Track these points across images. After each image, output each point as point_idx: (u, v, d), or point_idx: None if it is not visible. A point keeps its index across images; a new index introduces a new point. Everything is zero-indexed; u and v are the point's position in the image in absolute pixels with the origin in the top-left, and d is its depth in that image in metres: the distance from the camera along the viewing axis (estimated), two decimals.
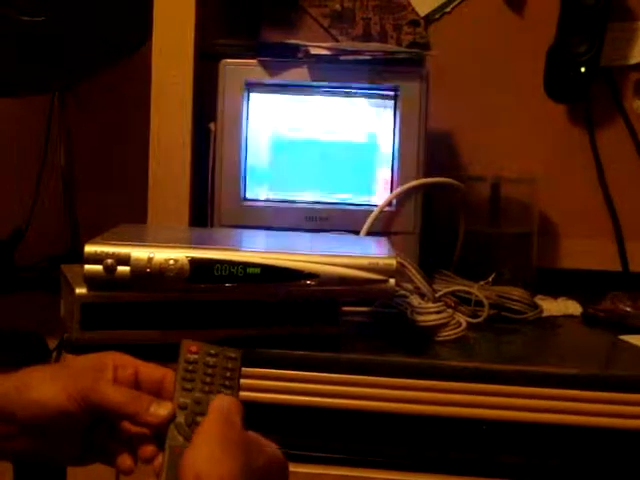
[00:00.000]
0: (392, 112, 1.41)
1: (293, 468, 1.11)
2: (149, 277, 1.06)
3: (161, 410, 0.83)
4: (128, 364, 0.88)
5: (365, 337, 1.22)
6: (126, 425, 0.86)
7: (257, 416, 1.09)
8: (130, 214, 1.39)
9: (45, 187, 1.78)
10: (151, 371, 0.88)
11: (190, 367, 0.85)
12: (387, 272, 1.09)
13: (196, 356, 0.86)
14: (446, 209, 1.53)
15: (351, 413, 1.11)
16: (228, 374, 0.86)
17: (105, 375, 0.86)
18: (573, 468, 1.11)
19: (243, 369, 1.03)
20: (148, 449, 0.84)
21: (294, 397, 1.11)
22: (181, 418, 0.82)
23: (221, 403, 0.81)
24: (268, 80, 1.39)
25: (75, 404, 0.84)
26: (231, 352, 0.88)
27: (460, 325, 1.22)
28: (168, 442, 0.81)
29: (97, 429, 0.87)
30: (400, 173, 1.40)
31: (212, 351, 0.87)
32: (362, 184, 1.42)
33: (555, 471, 1.11)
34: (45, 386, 0.85)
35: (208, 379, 0.85)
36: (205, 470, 0.74)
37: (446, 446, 1.12)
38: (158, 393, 0.86)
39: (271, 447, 0.81)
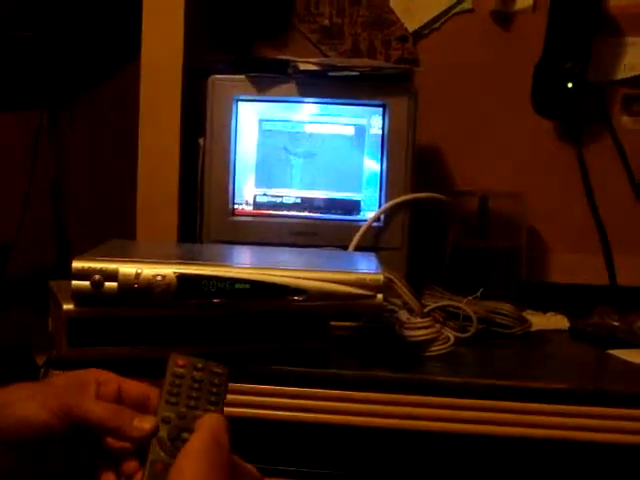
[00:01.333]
0: (380, 127, 1.41)
1: None
2: (137, 293, 1.05)
3: (144, 424, 0.82)
4: (111, 380, 0.88)
5: (353, 352, 1.22)
6: (109, 441, 0.86)
7: (243, 431, 1.09)
8: (120, 228, 1.39)
9: (34, 200, 1.77)
10: (134, 387, 0.88)
11: (177, 381, 0.85)
12: (375, 287, 1.09)
13: (183, 370, 0.86)
14: (434, 224, 1.53)
15: (339, 428, 1.11)
16: (214, 389, 0.85)
17: (88, 391, 0.86)
18: None
19: (230, 384, 1.03)
20: (131, 465, 0.84)
21: (281, 413, 1.11)
22: (164, 432, 0.82)
23: (211, 422, 0.81)
24: (257, 96, 1.40)
25: (58, 420, 0.83)
26: (218, 367, 0.88)
27: (448, 340, 1.22)
28: (150, 457, 0.81)
29: (81, 446, 0.87)
30: (388, 189, 1.41)
31: (199, 365, 0.87)
32: (350, 182, 1.43)
33: None
34: (28, 403, 0.84)
35: (194, 393, 0.84)
36: None
37: (434, 462, 1.12)
38: (141, 409, 0.85)
39: (252, 470, 0.81)
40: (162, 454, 0.80)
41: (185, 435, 0.81)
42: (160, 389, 0.85)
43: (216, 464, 0.77)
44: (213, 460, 0.77)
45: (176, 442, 0.81)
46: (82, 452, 0.87)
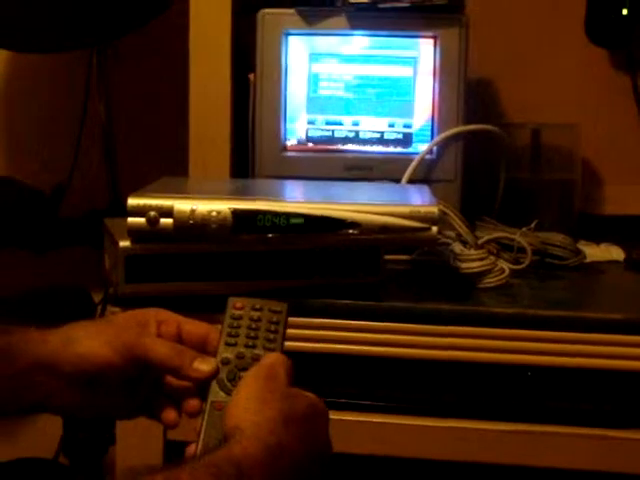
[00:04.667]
0: (431, 59, 1.40)
1: (335, 416, 1.11)
2: (192, 229, 1.06)
3: (204, 365, 0.83)
4: (171, 320, 0.89)
5: (407, 285, 1.22)
6: (170, 379, 0.87)
7: (300, 365, 1.10)
8: (171, 167, 1.40)
9: (86, 142, 1.78)
10: (194, 328, 0.88)
11: (235, 323, 0.86)
12: (429, 220, 1.09)
13: (241, 312, 0.86)
14: (487, 157, 1.52)
15: (394, 361, 1.12)
16: (272, 328, 0.86)
17: (149, 330, 0.87)
18: (619, 412, 1.10)
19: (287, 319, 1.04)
20: (192, 403, 0.85)
21: (337, 346, 1.11)
22: (223, 374, 0.82)
23: (268, 360, 0.82)
24: (307, 29, 1.38)
25: (120, 357, 0.84)
26: (276, 305, 0.88)
27: (503, 272, 1.21)
28: (210, 397, 0.82)
29: (142, 383, 0.88)
30: (440, 121, 1.40)
31: (257, 305, 0.87)
32: (402, 115, 1.42)
33: (602, 416, 1.11)
34: (90, 340, 0.86)
35: (252, 333, 0.85)
36: (243, 420, 0.75)
37: (491, 392, 1.12)
38: (201, 350, 0.86)
39: (311, 396, 0.81)
40: (222, 394, 0.81)
41: (241, 374, 0.82)
42: (220, 330, 0.86)
43: (268, 393, 0.77)
44: (263, 390, 0.78)
45: (234, 382, 0.82)
46: (143, 389, 0.89)
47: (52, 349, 0.86)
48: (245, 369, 0.82)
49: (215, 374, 0.83)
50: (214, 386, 0.82)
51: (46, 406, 0.88)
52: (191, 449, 0.80)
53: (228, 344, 0.84)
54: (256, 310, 0.87)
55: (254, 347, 0.84)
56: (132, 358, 0.85)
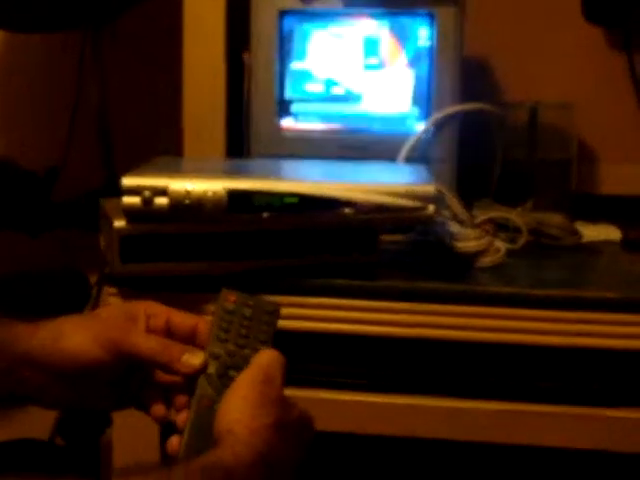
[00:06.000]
0: (427, 38, 1.39)
1: (330, 395, 1.13)
2: (187, 209, 1.06)
3: (193, 359, 0.83)
4: (160, 313, 0.89)
5: (403, 265, 1.22)
6: (159, 374, 0.87)
7: (295, 344, 1.10)
8: (167, 148, 1.39)
9: (80, 123, 1.78)
10: (183, 320, 0.88)
11: (227, 317, 0.85)
12: (425, 198, 1.08)
13: (234, 306, 0.86)
14: (483, 136, 1.51)
15: (389, 340, 1.12)
16: (264, 328, 0.85)
17: (137, 324, 0.87)
18: (614, 392, 1.11)
19: (280, 297, 1.04)
20: (182, 398, 0.85)
21: (332, 325, 1.11)
22: (212, 369, 0.82)
23: (263, 358, 0.81)
24: (301, 7, 1.38)
25: (108, 354, 0.84)
26: (268, 305, 0.87)
27: (499, 251, 1.21)
28: (197, 392, 0.81)
29: (131, 378, 0.88)
30: (436, 100, 1.39)
31: (250, 302, 0.87)
32: (398, 94, 1.41)
33: (596, 395, 1.11)
34: (78, 336, 0.86)
35: (244, 331, 0.84)
36: (237, 424, 0.75)
37: (486, 371, 1.12)
38: (190, 342, 0.86)
39: (302, 409, 0.81)
40: (210, 390, 0.81)
41: (232, 373, 0.82)
42: (210, 323, 0.85)
43: (265, 398, 0.77)
44: (260, 394, 0.77)
45: (223, 379, 0.82)
46: (132, 384, 0.89)
47: (40, 345, 0.86)
48: (235, 368, 0.82)
49: (204, 368, 0.82)
50: (202, 381, 0.82)
51: (35, 400, 0.88)
52: (174, 442, 0.80)
53: (219, 339, 0.84)
54: (249, 307, 0.86)
55: (245, 347, 0.84)
56: (120, 354, 0.84)
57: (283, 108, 1.40)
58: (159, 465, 0.72)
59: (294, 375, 1.10)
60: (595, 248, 1.38)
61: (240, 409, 0.76)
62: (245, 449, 0.73)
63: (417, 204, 1.08)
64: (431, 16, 1.38)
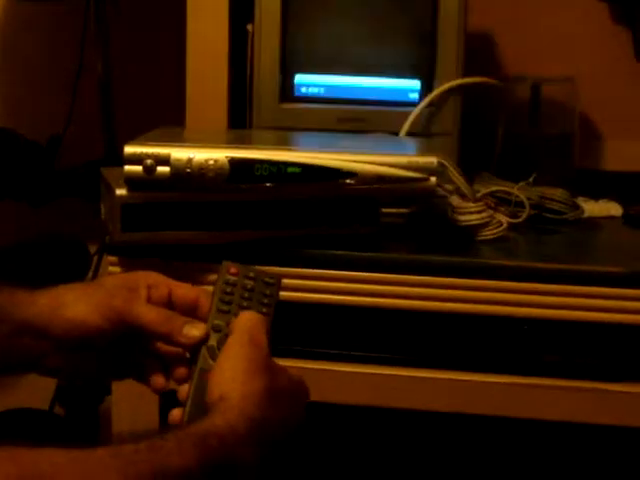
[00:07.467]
0: (430, 11, 1.38)
1: (331, 367, 1.13)
2: (189, 177, 1.05)
3: (194, 331, 0.83)
4: (162, 284, 0.88)
5: (405, 237, 1.22)
6: (159, 345, 0.87)
7: (296, 315, 1.11)
8: (168, 118, 1.39)
9: (82, 92, 1.77)
10: (185, 291, 0.88)
11: (228, 289, 0.85)
12: (428, 170, 1.08)
13: (235, 278, 0.86)
14: (486, 111, 1.51)
15: (391, 312, 1.12)
16: (265, 300, 0.85)
17: (139, 294, 0.87)
18: (615, 365, 1.11)
19: (282, 269, 1.04)
20: (181, 370, 0.85)
21: (334, 296, 1.11)
22: (213, 341, 0.82)
23: (245, 321, 0.81)
24: None
25: (109, 323, 0.84)
26: (269, 277, 0.87)
27: (501, 225, 1.21)
28: (199, 364, 0.81)
29: (131, 348, 0.88)
30: (439, 74, 1.38)
31: (251, 274, 0.86)
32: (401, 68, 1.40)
33: (598, 369, 1.11)
34: (79, 305, 0.85)
35: (245, 303, 0.84)
36: (229, 391, 0.75)
37: (488, 345, 1.12)
38: (191, 314, 0.86)
39: (293, 371, 0.81)
40: (210, 362, 0.81)
41: None
42: (211, 295, 0.85)
43: (254, 364, 0.77)
44: (248, 359, 0.77)
45: None
46: (132, 354, 0.89)
47: (41, 312, 0.86)
48: None
49: (205, 339, 0.82)
50: (204, 353, 0.82)
51: (35, 368, 0.88)
52: (175, 414, 0.80)
53: (220, 310, 0.84)
54: (250, 279, 0.86)
55: None
56: (121, 324, 0.84)
57: (286, 80, 1.40)
58: (152, 432, 0.71)
59: (294, 347, 1.13)
60: (597, 223, 1.38)
61: (231, 375, 0.76)
62: (237, 415, 0.73)
63: (419, 175, 1.08)
64: None
